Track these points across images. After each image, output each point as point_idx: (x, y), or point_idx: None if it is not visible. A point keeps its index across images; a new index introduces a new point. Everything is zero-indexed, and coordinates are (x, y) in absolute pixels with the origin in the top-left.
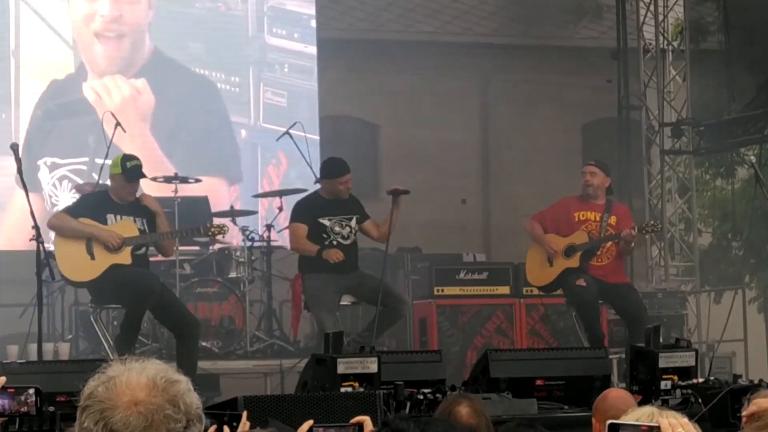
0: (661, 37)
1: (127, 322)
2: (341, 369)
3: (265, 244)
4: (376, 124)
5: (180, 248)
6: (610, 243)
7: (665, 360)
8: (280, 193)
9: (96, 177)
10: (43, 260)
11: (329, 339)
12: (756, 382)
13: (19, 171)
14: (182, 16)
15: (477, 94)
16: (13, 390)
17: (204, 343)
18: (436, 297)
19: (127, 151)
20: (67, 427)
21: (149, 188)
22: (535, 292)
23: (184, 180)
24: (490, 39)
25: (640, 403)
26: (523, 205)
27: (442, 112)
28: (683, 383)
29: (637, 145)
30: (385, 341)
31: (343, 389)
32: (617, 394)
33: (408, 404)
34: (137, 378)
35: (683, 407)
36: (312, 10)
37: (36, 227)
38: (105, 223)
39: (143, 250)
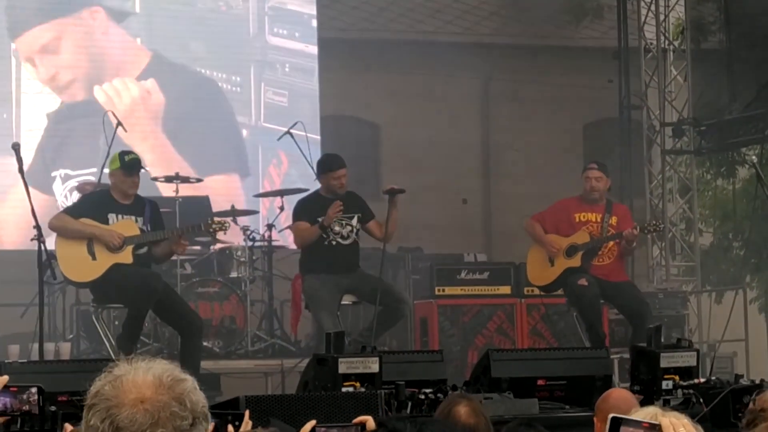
0: (662, 37)
1: (130, 322)
2: (342, 369)
3: (266, 243)
4: (377, 123)
5: None
6: (611, 243)
7: (667, 360)
8: (281, 193)
9: (98, 178)
10: (45, 260)
11: (330, 339)
12: (757, 382)
13: (20, 170)
14: (183, 16)
15: (478, 94)
16: (15, 389)
17: (205, 343)
18: (437, 297)
19: (139, 151)
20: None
21: (150, 189)
22: (536, 291)
23: (186, 180)
24: (491, 39)
25: (642, 403)
26: (524, 205)
27: (443, 112)
28: (684, 383)
29: (639, 145)
30: (386, 341)
31: (344, 389)
32: (619, 394)
33: (409, 404)
34: (144, 376)
35: (684, 407)
36: (313, 10)
37: (37, 227)
38: (106, 222)
39: (144, 249)
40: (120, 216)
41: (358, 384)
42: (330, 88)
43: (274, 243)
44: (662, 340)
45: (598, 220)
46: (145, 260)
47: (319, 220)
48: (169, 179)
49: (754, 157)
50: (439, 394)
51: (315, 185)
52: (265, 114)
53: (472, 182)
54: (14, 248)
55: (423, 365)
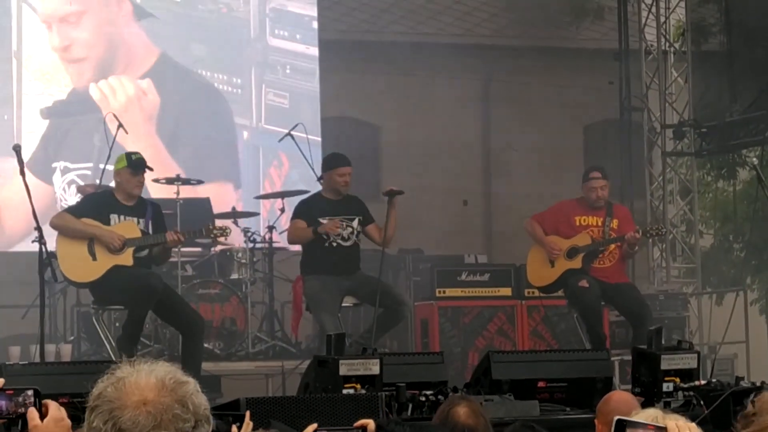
0: (662, 39)
1: (130, 323)
2: (343, 371)
3: (266, 245)
4: (377, 125)
5: (182, 249)
6: (613, 246)
7: (667, 362)
8: (282, 195)
9: (99, 179)
10: (45, 261)
11: (331, 340)
12: (758, 383)
13: (22, 172)
14: (184, 18)
15: (478, 95)
16: (12, 392)
17: (205, 345)
18: (437, 298)
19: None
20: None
21: (151, 189)
22: (537, 293)
23: (186, 182)
24: (491, 40)
25: (643, 405)
26: (524, 207)
27: (443, 114)
28: (685, 385)
29: (639, 146)
30: (387, 343)
31: (345, 391)
32: (620, 396)
33: (410, 406)
34: (146, 378)
35: (685, 409)
36: (314, 12)
37: (38, 228)
38: (108, 223)
39: (145, 252)
40: (122, 217)
41: (358, 386)
42: (331, 89)
43: (274, 245)
44: (663, 342)
45: (599, 224)
46: (146, 262)
47: (322, 221)
48: (170, 181)
49: (754, 159)
50: (439, 396)
51: (316, 187)
52: (266, 116)
53: (473, 184)
54: (15, 250)
55: (424, 367)
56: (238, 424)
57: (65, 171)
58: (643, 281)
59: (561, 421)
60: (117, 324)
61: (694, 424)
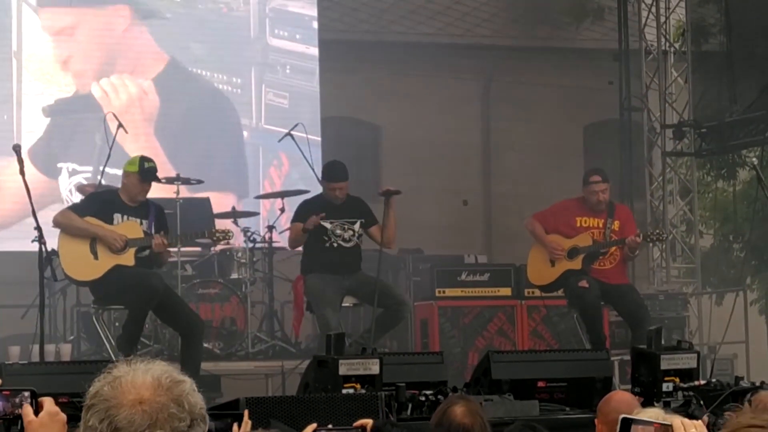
0: (662, 39)
1: (130, 323)
2: (343, 370)
3: (266, 245)
4: (377, 125)
5: (182, 249)
6: (614, 248)
7: (667, 362)
8: (282, 195)
9: (99, 178)
10: (45, 260)
11: (331, 340)
12: (758, 384)
13: (22, 172)
14: (184, 18)
15: (479, 95)
16: (8, 392)
17: (205, 345)
18: (437, 298)
19: (130, 152)
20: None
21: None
22: (537, 293)
23: (187, 181)
24: (491, 41)
25: (642, 405)
26: (524, 207)
27: (443, 114)
28: (685, 385)
29: (639, 146)
30: (387, 343)
31: (344, 391)
32: (621, 396)
33: (409, 406)
34: (142, 377)
35: (685, 409)
36: (314, 12)
37: (38, 228)
38: (111, 222)
39: (147, 253)
40: (125, 217)
41: (358, 386)
42: (331, 89)
43: (274, 244)
44: (662, 342)
45: (600, 225)
46: (147, 263)
47: (323, 224)
48: (170, 181)
49: (754, 159)
50: (439, 396)
51: (316, 186)
52: (266, 116)
53: (473, 184)
54: (15, 249)
55: (423, 367)
56: (237, 422)
57: (73, 173)
58: (643, 281)
59: (561, 421)
60: (117, 324)
61: (700, 422)
